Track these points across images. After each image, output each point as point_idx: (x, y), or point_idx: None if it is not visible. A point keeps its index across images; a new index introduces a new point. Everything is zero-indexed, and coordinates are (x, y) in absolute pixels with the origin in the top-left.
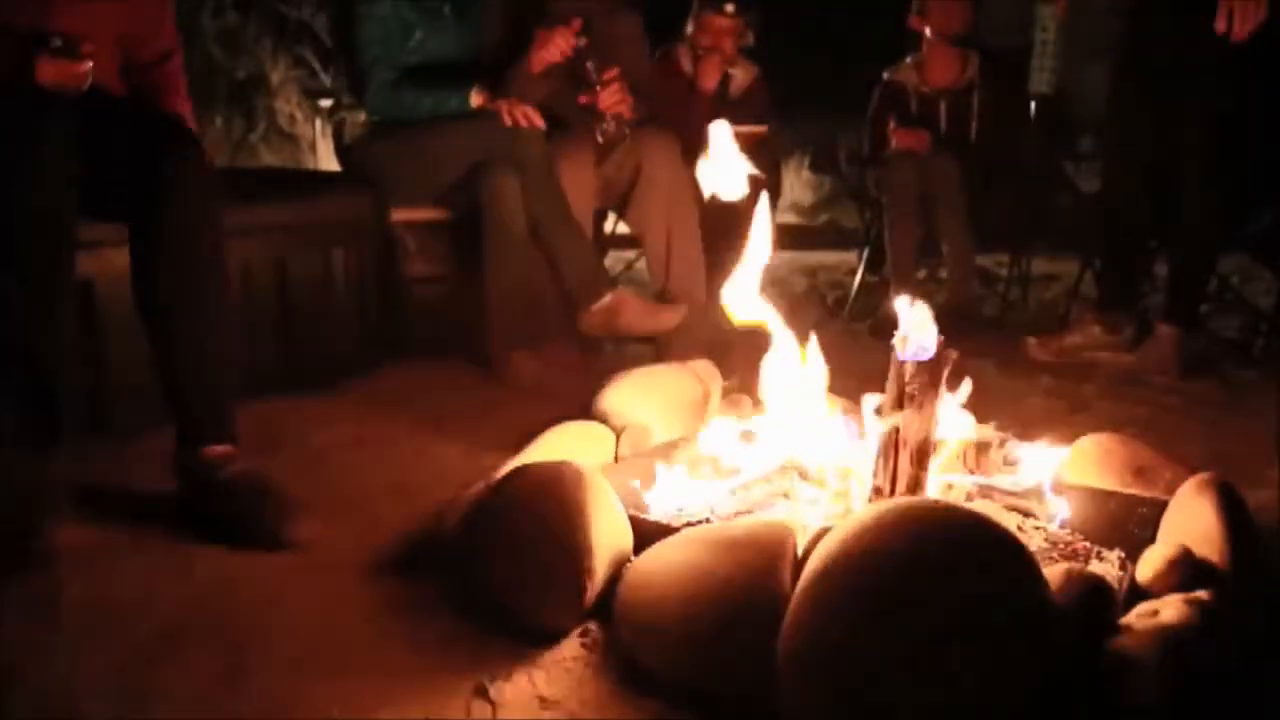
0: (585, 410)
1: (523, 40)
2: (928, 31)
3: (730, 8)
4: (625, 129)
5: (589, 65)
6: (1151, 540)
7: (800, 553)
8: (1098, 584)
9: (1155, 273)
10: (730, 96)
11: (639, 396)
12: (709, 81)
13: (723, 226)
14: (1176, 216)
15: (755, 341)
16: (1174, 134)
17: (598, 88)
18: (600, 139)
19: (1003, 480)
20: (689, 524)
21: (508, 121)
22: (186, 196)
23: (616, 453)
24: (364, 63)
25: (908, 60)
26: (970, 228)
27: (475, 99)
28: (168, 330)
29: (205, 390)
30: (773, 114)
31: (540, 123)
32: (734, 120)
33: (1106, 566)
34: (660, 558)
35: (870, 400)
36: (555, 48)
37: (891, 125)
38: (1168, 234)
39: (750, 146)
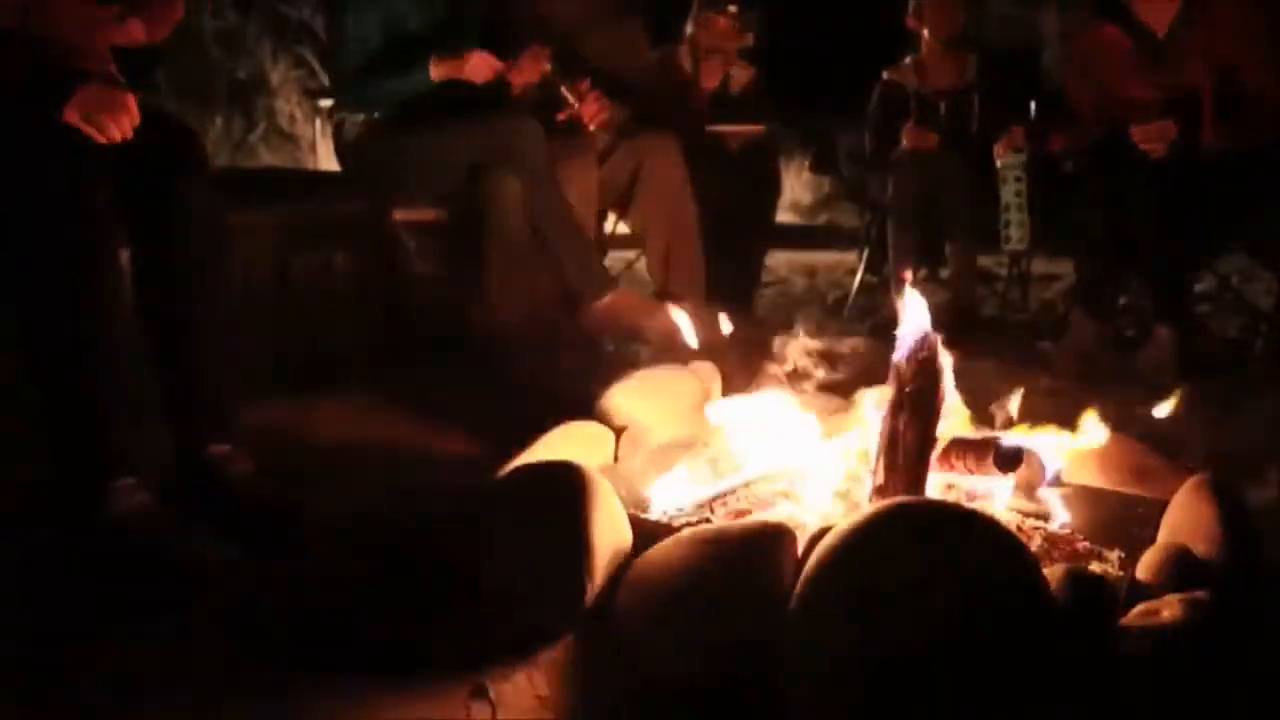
0: (585, 410)
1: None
2: (924, 33)
3: (732, 8)
4: (617, 129)
5: (562, 88)
6: (1151, 540)
7: (800, 553)
8: (1098, 584)
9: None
10: (729, 96)
11: (639, 396)
12: (711, 82)
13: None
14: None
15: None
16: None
17: (577, 106)
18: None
19: (1002, 480)
20: (689, 524)
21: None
22: (187, 195)
23: (616, 453)
24: (345, 55)
25: (907, 61)
26: (973, 228)
27: (434, 71)
28: (169, 330)
29: (206, 390)
30: (771, 114)
31: (546, 65)
32: (733, 120)
33: (1106, 566)
34: (660, 558)
35: (870, 395)
36: (530, 72)
37: (908, 125)
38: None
39: (748, 146)
